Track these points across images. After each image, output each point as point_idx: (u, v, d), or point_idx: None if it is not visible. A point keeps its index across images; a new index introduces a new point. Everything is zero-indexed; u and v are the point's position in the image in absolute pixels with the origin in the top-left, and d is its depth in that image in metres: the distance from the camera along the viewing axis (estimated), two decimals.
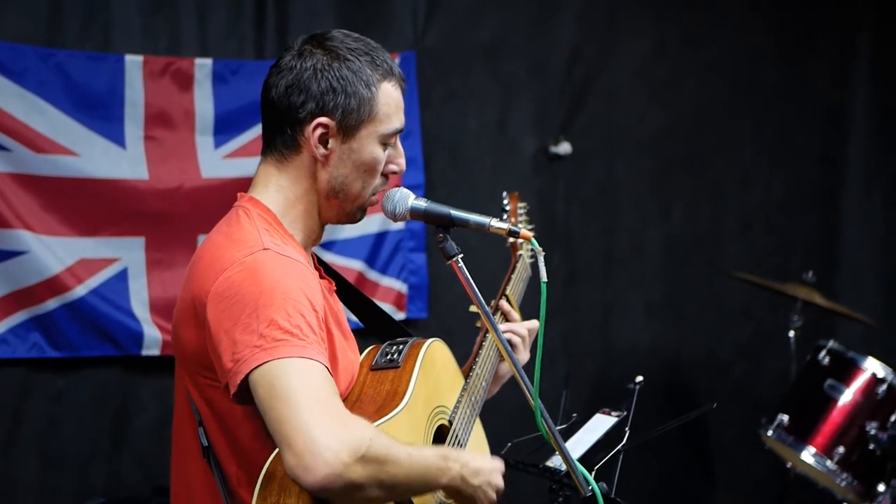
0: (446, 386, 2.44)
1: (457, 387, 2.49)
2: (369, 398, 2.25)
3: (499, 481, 2.18)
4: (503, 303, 2.78)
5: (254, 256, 2.08)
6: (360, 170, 2.22)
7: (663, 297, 5.54)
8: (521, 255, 2.99)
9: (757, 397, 5.62)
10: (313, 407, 1.90)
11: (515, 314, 2.80)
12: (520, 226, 3.02)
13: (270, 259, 2.08)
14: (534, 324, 2.73)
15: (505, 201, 3.12)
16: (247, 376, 1.97)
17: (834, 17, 5.83)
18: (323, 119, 2.18)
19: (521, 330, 2.72)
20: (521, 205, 3.13)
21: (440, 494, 2.25)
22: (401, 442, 2.02)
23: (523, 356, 2.70)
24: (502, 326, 2.72)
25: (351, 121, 2.19)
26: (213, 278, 2.07)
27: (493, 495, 2.18)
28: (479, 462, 2.14)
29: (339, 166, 2.22)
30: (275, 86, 2.22)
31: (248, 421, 2.08)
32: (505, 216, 3.08)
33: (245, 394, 1.99)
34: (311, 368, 1.96)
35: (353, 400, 2.25)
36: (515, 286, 2.88)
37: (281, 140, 2.23)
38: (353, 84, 2.18)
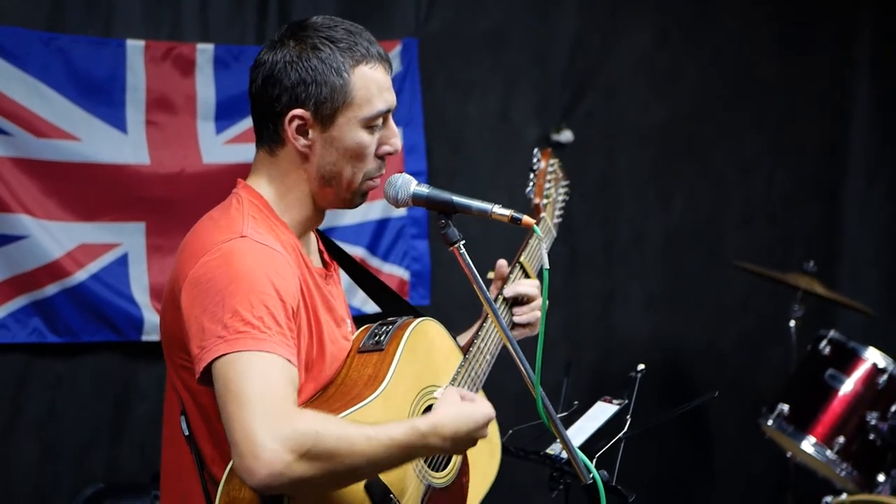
0: (440, 365, 2.40)
1: (453, 364, 2.43)
2: (352, 382, 2.24)
3: (482, 434, 2.18)
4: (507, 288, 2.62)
5: (231, 243, 2.09)
6: (346, 156, 2.23)
7: (664, 287, 5.54)
8: (543, 216, 2.86)
9: (757, 387, 5.62)
10: (260, 405, 1.91)
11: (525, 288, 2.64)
12: (549, 184, 2.93)
13: (246, 247, 2.09)
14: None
15: (535, 159, 2.94)
16: (209, 365, 1.99)
17: (835, 7, 5.82)
18: (297, 111, 2.20)
19: (525, 288, 2.63)
20: (551, 161, 2.96)
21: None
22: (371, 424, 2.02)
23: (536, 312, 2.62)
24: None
25: (326, 110, 2.20)
26: (193, 263, 2.10)
27: (474, 446, 2.20)
28: (459, 423, 2.12)
29: (324, 155, 2.22)
30: (254, 81, 2.26)
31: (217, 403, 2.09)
32: (532, 175, 2.92)
33: (209, 377, 2.00)
34: (267, 362, 1.97)
35: (338, 384, 2.25)
36: (532, 253, 2.73)
37: (266, 133, 2.26)
38: (323, 73, 2.18)
